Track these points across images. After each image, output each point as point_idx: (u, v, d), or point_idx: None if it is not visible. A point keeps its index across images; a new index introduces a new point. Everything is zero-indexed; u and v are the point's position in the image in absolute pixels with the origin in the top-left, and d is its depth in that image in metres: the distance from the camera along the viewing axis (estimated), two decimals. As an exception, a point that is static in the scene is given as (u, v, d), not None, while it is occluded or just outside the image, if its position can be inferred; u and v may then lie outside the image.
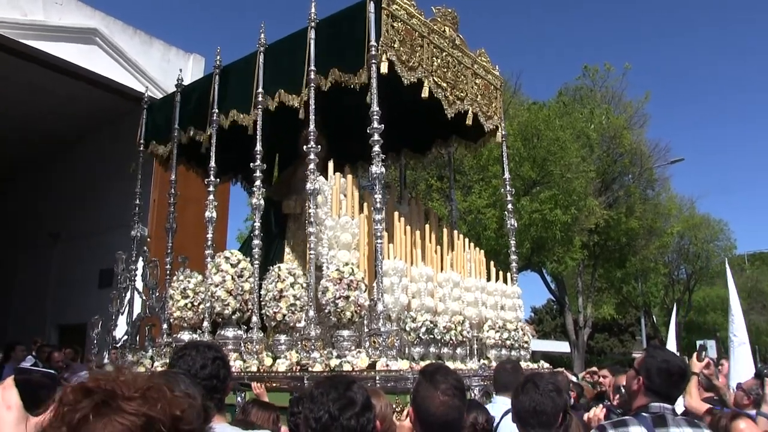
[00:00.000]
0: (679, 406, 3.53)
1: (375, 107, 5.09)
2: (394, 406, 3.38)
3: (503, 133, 6.92)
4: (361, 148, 6.02)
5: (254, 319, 5.50)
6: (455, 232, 6.51)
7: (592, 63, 23.27)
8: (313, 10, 5.71)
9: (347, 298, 4.72)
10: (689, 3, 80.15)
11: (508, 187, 6.98)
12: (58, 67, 11.12)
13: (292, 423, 3.25)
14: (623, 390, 4.05)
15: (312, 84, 5.48)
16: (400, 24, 5.44)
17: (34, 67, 11.04)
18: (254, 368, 5.09)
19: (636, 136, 22.58)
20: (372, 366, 4.37)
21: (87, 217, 13.56)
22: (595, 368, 8.67)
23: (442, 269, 5.72)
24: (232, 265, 5.80)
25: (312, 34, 5.64)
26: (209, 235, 6.24)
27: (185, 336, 6.06)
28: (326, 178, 5.65)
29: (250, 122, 6.13)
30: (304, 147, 5.51)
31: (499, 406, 3.58)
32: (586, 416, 3.68)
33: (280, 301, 5.26)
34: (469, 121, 6.26)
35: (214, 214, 6.34)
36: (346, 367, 4.44)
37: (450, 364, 4.68)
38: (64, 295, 13.72)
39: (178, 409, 0.92)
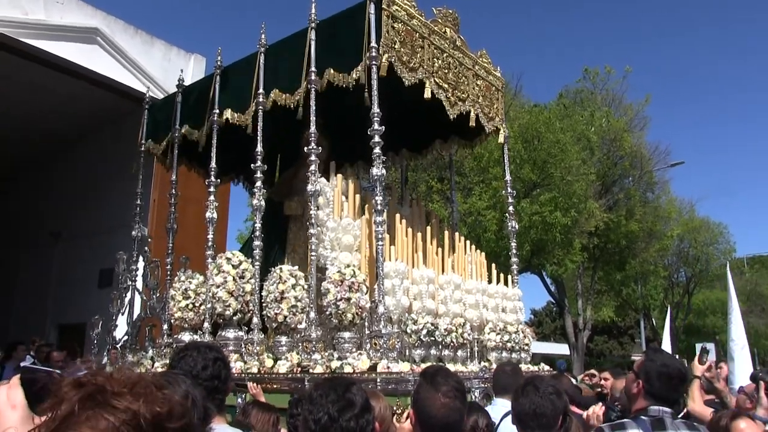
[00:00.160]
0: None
1: (376, 109, 5.09)
2: (394, 408, 3.39)
3: (506, 134, 6.93)
4: (361, 148, 6.03)
5: (255, 320, 5.49)
6: (456, 234, 6.51)
7: (593, 63, 23.51)
8: (313, 11, 5.72)
9: (348, 299, 4.72)
10: (689, 3, 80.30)
11: (509, 189, 6.99)
12: (59, 67, 11.13)
13: (291, 425, 3.25)
14: (618, 394, 4.05)
15: (312, 85, 5.49)
16: (400, 25, 5.44)
17: (36, 66, 11.05)
18: (255, 369, 5.09)
19: (636, 138, 22.63)
20: (373, 368, 4.36)
21: (88, 216, 13.56)
22: (593, 371, 8.66)
23: (443, 271, 5.72)
24: (233, 266, 5.80)
25: (312, 35, 5.64)
26: (210, 236, 6.23)
27: (186, 337, 6.06)
28: (328, 180, 5.66)
29: (244, 122, 6.13)
30: (306, 148, 5.52)
31: (499, 408, 3.58)
32: (585, 414, 3.67)
33: (282, 302, 5.25)
34: (472, 123, 6.27)
35: (215, 215, 6.34)
36: (347, 369, 4.44)
37: (451, 367, 4.69)
38: (65, 294, 13.74)
39: (163, 407, 0.92)
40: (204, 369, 2.28)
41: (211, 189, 6.39)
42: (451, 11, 6.29)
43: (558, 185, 17.16)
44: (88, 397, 0.89)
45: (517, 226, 7.03)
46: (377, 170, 5.02)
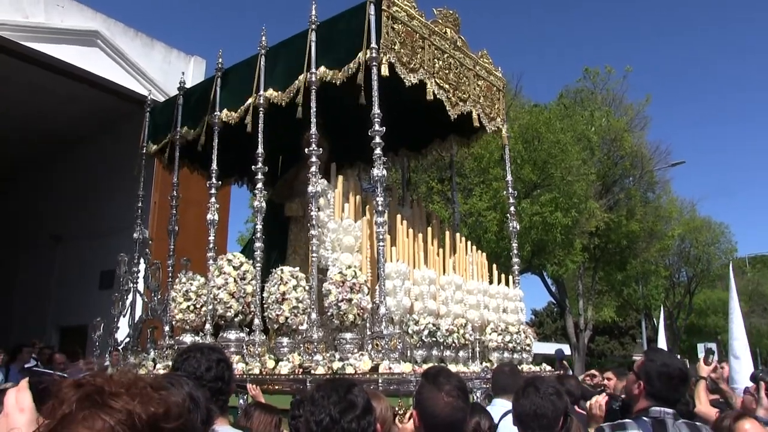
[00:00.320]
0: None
1: (376, 110, 5.08)
2: (396, 409, 3.39)
3: (507, 134, 6.93)
4: (361, 148, 6.02)
5: (256, 321, 5.49)
6: (457, 234, 6.51)
7: (593, 63, 23.54)
8: (313, 12, 5.72)
9: (350, 300, 4.71)
10: (689, 3, 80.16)
11: (510, 190, 6.99)
12: (59, 69, 11.13)
13: (293, 426, 3.25)
14: (618, 396, 4.04)
15: (314, 86, 5.49)
16: (400, 26, 5.44)
17: (35, 68, 11.05)
18: (257, 371, 5.08)
19: (637, 138, 22.63)
20: (374, 369, 4.36)
21: (88, 218, 13.56)
22: (594, 371, 8.65)
23: (444, 272, 5.73)
24: (234, 267, 5.80)
25: (313, 36, 5.64)
26: (211, 238, 6.23)
27: (187, 338, 6.06)
28: (329, 181, 5.66)
29: (236, 119, 6.13)
30: (306, 149, 5.52)
31: (498, 408, 3.58)
32: (588, 403, 3.66)
33: (283, 303, 5.25)
34: (475, 123, 6.27)
35: (216, 217, 6.34)
36: (349, 370, 4.43)
37: (452, 367, 4.69)
38: (65, 296, 13.73)
39: (159, 407, 0.92)
40: (207, 370, 2.28)
41: (212, 191, 6.39)
42: (451, 12, 6.28)
43: (558, 185, 17.16)
44: (86, 398, 0.90)
45: (518, 227, 7.02)
46: (378, 171, 5.02)
